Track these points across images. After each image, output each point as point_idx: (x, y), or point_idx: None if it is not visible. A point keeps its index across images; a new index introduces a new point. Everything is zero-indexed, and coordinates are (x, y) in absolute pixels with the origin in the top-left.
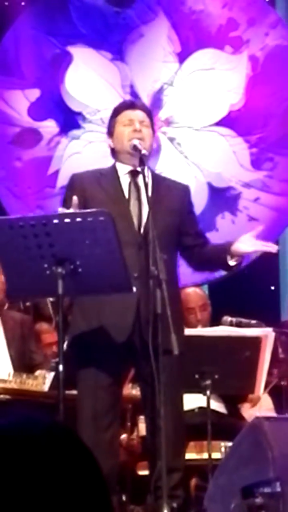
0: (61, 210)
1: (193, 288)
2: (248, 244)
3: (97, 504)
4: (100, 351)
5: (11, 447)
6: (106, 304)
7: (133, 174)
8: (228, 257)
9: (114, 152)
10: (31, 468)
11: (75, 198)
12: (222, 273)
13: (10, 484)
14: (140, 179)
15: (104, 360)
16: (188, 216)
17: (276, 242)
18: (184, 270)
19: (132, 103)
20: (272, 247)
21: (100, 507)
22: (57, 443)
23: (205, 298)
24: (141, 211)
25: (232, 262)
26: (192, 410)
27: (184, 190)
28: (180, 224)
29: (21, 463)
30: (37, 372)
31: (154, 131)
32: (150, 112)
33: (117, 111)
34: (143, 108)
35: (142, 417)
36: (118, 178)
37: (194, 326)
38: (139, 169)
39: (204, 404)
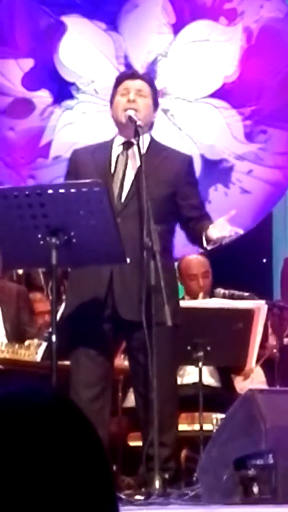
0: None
1: (195, 255)
2: (217, 231)
3: (99, 474)
4: (89, 322)
5: (13, 417)
6: (88, 276)
7: (126, 145)
8: (204, 240)
9: (115, 124)
10: (35, 439)
11: None
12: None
13: (14, 455)
14: (132, 150)
15: (93, 331)
16: (183, 187)
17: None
18: (176, 243)
19: (133, 73)
20: (236, 230)
21: (101, 478)
22: (60, 414)
23: (207, 265)
24: (123, 183)
25: (209, 246)
26: (187, 385)
27: (183, 161)
28: (176, 195)
29: (24, 433)
30: (27, 342)
31: (157, 102)
32: (152, 81)
33: (118, 81)
34: (144, 77)
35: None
36: (110, 150)
37: (196, 293)
38: (133, 140)
39: (203, 379)
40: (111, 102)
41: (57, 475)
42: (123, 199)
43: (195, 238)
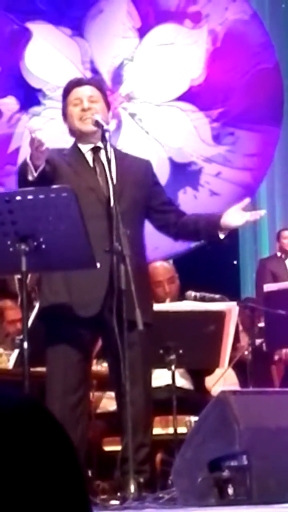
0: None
1: (160, 262)
2: (238, 217)
3: (71, 479)
4: (70, 326)
5: None
6: (76, 278)
7: (95, 150)
8: (218, 231)
9: (72, 134)
10: (4, 444)
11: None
12: (184, 247)
13: None
14: (102, 154)
15: (74, 336)
16: (153, 188)
17: None
18: (148, 247)
19: (79, 80)
20: (259, 214)
21: (73, 482)
22: (30, 418)
23: (173, 271)
24: (108, 184)
25: (222, 235)
26: (160, 387)
27: (146, 164)
28: (148, 197)
29: None
30: None
31: (108, 103)
32: (100, 85)
33: (66, 91)
34: (91, 82)
35: (107, 393)
36: (82, 154)
37: (163, 299)
38: (100, 144)
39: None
40: (64, 114)
41: (29, 480)
42: (111, 201)
43: (191, 232)
